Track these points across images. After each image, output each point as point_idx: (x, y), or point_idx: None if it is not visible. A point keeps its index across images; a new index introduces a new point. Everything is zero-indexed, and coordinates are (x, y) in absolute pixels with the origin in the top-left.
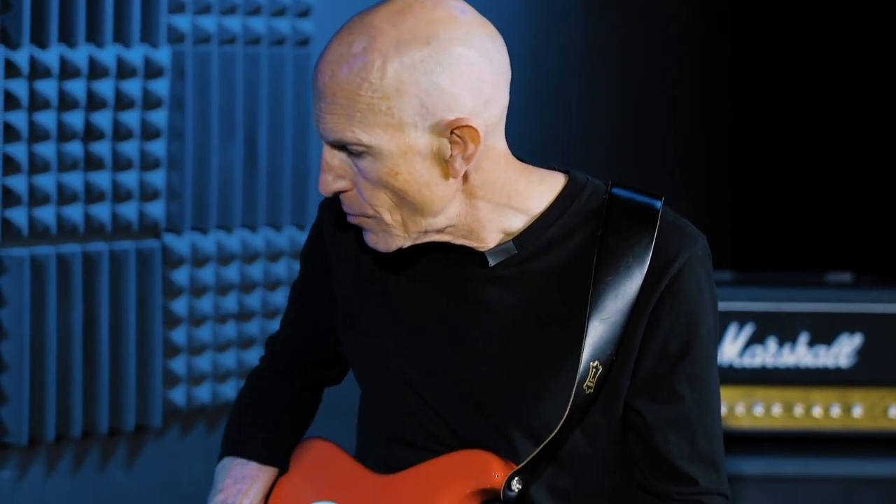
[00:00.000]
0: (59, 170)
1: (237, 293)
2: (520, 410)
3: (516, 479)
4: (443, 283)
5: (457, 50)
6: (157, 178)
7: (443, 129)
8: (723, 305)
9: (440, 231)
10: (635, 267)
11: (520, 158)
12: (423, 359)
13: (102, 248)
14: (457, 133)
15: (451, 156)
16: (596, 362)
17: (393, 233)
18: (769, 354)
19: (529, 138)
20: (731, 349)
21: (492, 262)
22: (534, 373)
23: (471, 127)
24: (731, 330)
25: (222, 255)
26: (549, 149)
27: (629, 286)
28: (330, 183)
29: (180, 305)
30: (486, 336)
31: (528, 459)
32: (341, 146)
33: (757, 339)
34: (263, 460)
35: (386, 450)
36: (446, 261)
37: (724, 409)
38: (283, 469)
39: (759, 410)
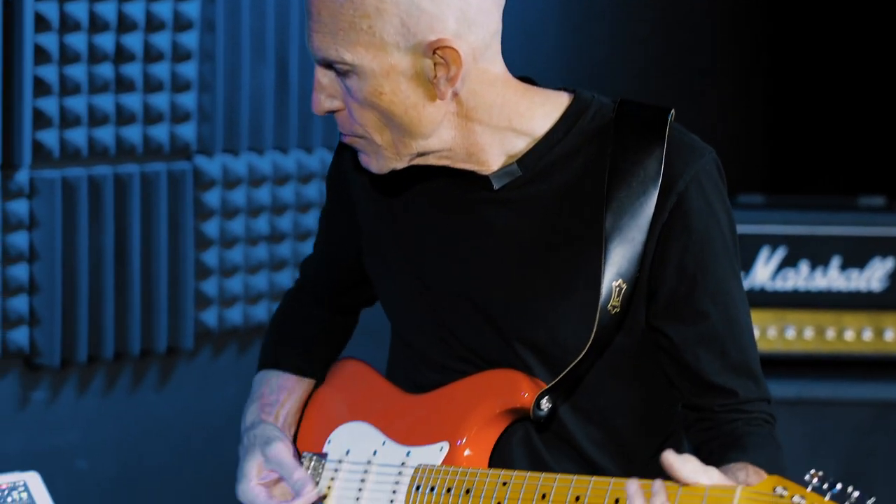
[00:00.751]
0: (90, 92)
1: (269, 215)
2: (538, 333)
3: (546, 398)
4: (450, 207)
5: None
6: (189, 99)
7: (425, 50)
8: (755, 229)
9: (437, 154)
10: (648, 182)
11: (526, 79)
12: (438, 283)
13: (134, 170)
14: (439, 54)
15: (434, 77)
16: (619, 281)
17: (384, 154)
18: (801, 278)
19: (561, 58)
20: (763, 272)
21: (496, 186)
22: (550, 295)
23: (453, 49)
24: (763, 253)
25: (254, 177)
26: (580, 69)
27: (644, 202)
28: (322, 102)
29: (212, 227)
30: (497, 260)
31: (557, 379)
32: (329, 65)
33: (789, 262)
34: (300, 372)
35: (416, 372)
36: (453, 185)
37: (755, 333)
38: (319, 380)
39: (790, 334)
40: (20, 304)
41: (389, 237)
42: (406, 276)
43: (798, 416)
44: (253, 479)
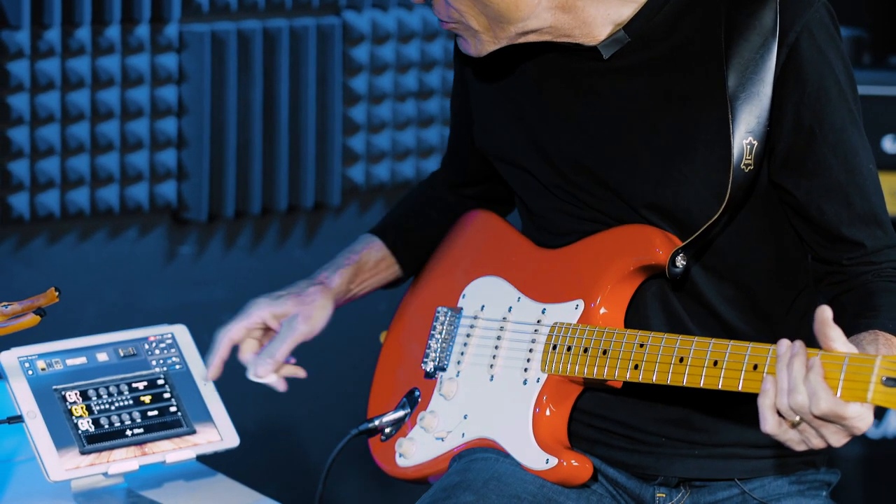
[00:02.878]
0: None
1: (417, 71)
2: (662, 197)
3: (681, 255)
4: (562, 81)
5: None
6: None
7: None
8: None
9: (538, 32)
10: (767, 34)
11: None
12: (559, 157)
13: (282, 25)
14: None
15: None
16: (750, 138)
17: (482, 38)
18: None
19: None
20: None
21: (605, 55)
22: (671, 159)
23: None
24: None
25: (402, 33)
26: None
27: (766, 55)
28: None
29: (360, 83)
30: (614, 129)
31: (692, 237)
32: None
33: None
34: (392, 248)
35: (546, 237)
36: (562, 58)
37: None
38: (405, 265)
39: None
40: (168, 157)
41: (503, 115)
42: (525, 152)
43: None
44: (250, 318)
